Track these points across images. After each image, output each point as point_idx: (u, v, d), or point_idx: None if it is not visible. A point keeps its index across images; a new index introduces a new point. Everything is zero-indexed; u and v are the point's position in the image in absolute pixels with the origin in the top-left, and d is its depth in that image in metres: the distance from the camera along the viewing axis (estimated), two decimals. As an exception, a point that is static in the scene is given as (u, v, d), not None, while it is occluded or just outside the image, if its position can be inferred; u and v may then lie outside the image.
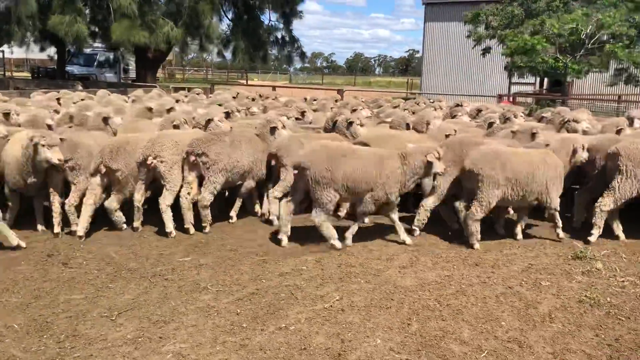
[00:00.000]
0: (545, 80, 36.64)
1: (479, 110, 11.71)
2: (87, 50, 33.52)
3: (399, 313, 5.14)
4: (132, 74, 40.84)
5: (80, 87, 17.43)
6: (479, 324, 4.94)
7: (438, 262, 6.45)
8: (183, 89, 20.84)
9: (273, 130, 8.00)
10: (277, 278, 5.90)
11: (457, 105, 12.73)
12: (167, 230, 7.19)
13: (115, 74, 36.41)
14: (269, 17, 26.73)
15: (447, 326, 4.90)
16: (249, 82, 65.96)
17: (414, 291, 5.62)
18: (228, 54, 27.38)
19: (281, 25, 26.90)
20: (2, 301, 5.23)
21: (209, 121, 8.42)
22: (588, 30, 19.64)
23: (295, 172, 7.00)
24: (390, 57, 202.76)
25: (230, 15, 25.89)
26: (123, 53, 28.44)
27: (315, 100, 13.57)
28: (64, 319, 4.91)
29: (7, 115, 8.47)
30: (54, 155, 6.60)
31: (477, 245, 6.95)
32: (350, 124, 8.63)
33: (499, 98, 27.27)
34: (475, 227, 6.92)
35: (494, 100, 26.60)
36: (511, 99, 27.51)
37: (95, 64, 36.01)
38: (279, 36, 27.34)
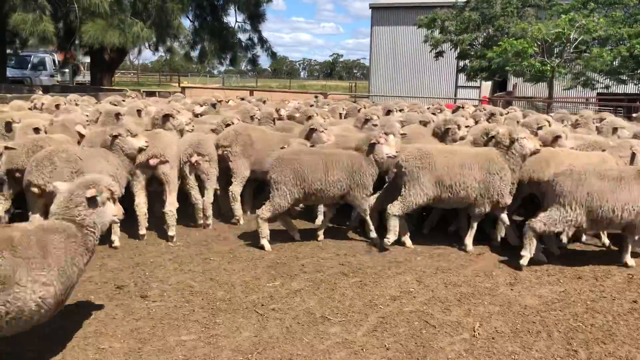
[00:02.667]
0: (489, 84, 37.73)
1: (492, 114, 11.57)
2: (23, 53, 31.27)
3: (553, 338, 4.73)
4: (82, 77, 38.57)
5: (40, 92, 15.88)
6: (642, 346, 4.63)
7: (541, 277, 6.12)
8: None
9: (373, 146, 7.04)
10: (393, 303, 5.35)
11: (459, 107, 12.59)
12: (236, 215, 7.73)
13: (51, 76, 34.12)
14: (235, 18, 25.80)
15: (615, 351, 4.54)
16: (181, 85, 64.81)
17: (545, 311, 5.24)
18: (194, 56, 26.11)
19: (248, 27, 25.99)
20: (106, 348, 4.38)
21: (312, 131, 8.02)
22: (572, 35, 20.19)
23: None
24: (315, 60, 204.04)
25: (193, 16, 24.69)
26: (74, 55, 26.48)
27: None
28: (194, 368, 4.18)
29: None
30: (139, 141, 6.47)
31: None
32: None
33: (491, 101, 27.52)
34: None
35: (444, 103, 26.94)
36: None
37: (29, 66, 33.63)
38: (246, 37, 26.46)
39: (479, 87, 38.16)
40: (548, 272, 6.26)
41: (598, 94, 30.82)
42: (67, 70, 37.58)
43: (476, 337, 4.70)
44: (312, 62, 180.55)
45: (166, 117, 7.79)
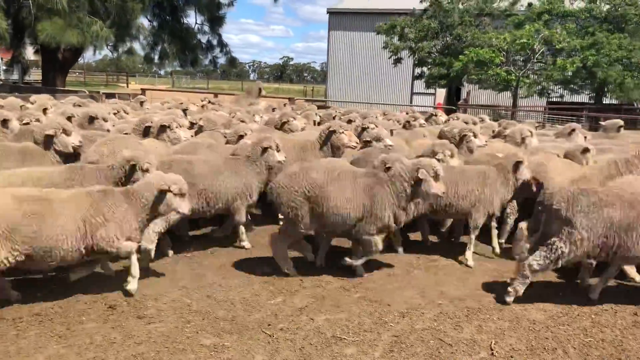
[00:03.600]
0: (444, 91, 38.38)
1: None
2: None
3: (570, 355, 4.68)
4: (28, 76, 36.81)
5: (16, 94, 15.03)
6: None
7: (541, 290, 6.08)
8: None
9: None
10: (403, 320, 5.19)
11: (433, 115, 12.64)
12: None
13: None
14: (195, 20, 25.16)
15: (634, 367, 4.53)
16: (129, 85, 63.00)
17: (555, 326, 5.20)
18: (154, 57, 25.28)
19: (207, 29, 25.40)
20: (112, 377, 4.04)
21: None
22: (536, 46, 20.68)
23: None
24: (265, 63, 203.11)
25: (152, 16, 23.84)
26: (22, 54, 25.11)
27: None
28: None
29: (5, 122, 7.82)
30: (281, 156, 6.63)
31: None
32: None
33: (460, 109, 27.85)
34: None
35: (398, 109, 27.18)
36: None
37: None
38: (206, 40, 25.84)
39: (434, 94, 38.71)
40: (546, 285, 6.25)
41: (548, 102, 31.84)
42: (11, 68, 35.89)
43: (495, 355, 4.60)
44: (262, 64, 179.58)
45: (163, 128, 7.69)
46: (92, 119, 8.65)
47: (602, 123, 11.78)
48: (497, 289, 5.99)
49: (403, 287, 5.99)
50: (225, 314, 5.17)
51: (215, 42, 26.12)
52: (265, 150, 6.69)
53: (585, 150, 7.62)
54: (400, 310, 5.39)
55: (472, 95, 37.11)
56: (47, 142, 7.03)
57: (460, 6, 26.67)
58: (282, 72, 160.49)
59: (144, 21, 22.98)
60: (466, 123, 9.54)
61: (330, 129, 7.63)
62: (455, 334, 4.96)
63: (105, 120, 8.73)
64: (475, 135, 7.89)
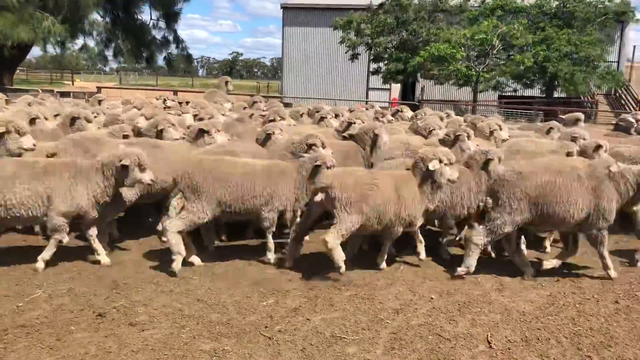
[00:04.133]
0: (399, 86, 38.84)
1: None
2: None
3: (563, 344, 4.81)
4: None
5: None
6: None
7: (523, 281, 6.23)
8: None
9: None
10: (397, 316, 5.22)
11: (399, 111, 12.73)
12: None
13: None
14: (150, 16, 24.47)
15: (623, 353, 4.68)
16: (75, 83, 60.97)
17: (543, 317, 5.32)
18: (109, 54, 24.49)
19: (163, 25, 24.76)
20: (115, 389, 3.90)
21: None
22: (495, 41, 21.11)
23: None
24: (214, 58, 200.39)
25: (104, 12, 23.00)
26: None
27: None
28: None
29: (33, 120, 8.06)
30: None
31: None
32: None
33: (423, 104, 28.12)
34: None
35: (354, 105, 27.29)
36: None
37: None
38: (161, 36, 25.18)
39: (389, 90, 39.13)
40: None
41: (500, 96, 32.69)
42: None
43: (493, 348, 4.68)
44: (210, 60, 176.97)
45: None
46: (73, 120, 8.37)
47: (563, 117, 12.14)
48: (482, 282, 6.11)
49: (392, 284, 6.01)
50: (219, 317, 5.07)
51: (171, 38, 25.59)
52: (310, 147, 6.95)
53: (598, 147, 7.87)
54: (393, 307, 5.42)
55: (426, 91, 37.73)
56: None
57: (416, 1, 27.00)
58: (232, 68, 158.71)
59: (96, 17, 22.26)
60: (441, 119, 9.64)
61: (375, 131, 7.81)
62: (452, 328, 5.02)
63: (88, 120, 8.43)
64: (468, 137, 7.90)
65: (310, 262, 6.47)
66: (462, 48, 21.53)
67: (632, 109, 31.52)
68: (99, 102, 14.11)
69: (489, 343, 4.76)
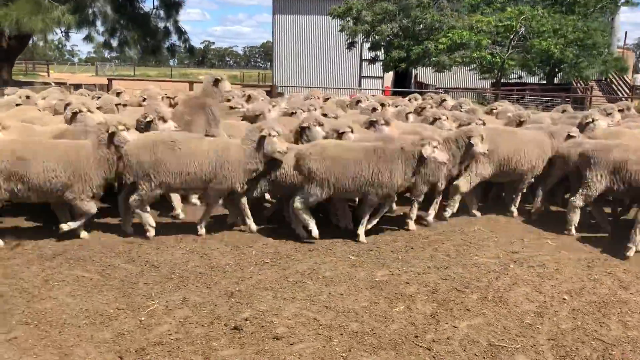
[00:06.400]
0: (391, 74, 38.58)
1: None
2: None
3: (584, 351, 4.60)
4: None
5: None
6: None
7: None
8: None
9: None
10: (541, 319, 4.95)
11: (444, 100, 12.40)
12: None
13: None
14: (153, 5, 23.50)
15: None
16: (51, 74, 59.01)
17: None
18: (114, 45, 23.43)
19: (164, 15, 23.83)
20: None
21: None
22: (521, 28, 20.89)
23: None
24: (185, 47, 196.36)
25: (105, 1, 21.95)
26: None
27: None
28: None
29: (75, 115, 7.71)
30: None
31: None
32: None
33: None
34: None
35: (347, 93, 26.94)
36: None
37: None
38: (163, 26, 24.23)
39: (382, 78, 38.88)
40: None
41: (492, 84, 32.72)
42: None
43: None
44: (181, 48, 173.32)
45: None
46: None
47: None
48: (602, 280, 5.88)
49: (514, 284, 5.73)
50: (360, 326, 4.72)
51: (172, 29, 24.72)
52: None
53: None
54: (531, 309, 5.14)
55: (419, 79, 37.59)
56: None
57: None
58: (204, 57, 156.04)
59: (102, 6, 21.23)
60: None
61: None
62: (607, 332, 4.76)
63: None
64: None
65: (412, 260, 6.17)
66: (489, 35, 21.28)
67: (624, 94, 31.89)
68: (118, 94, 13.54)
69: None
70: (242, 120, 9.06)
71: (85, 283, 5.42)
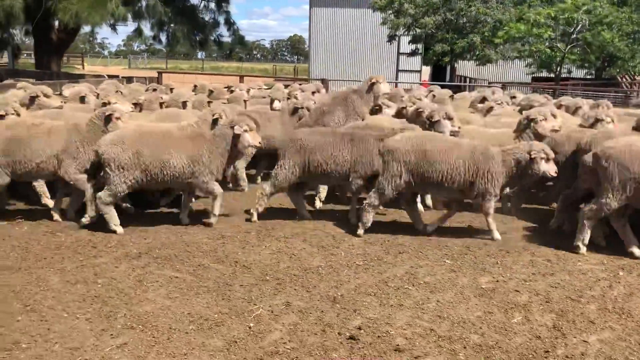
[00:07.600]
0: (429, 68, 37.97)
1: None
2: None
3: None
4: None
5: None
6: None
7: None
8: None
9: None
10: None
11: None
12: None
13: None
14: None
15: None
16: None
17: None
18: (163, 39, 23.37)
19: (213, 6, 23.65)
20: None
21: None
22: (583, 19, 20.22)
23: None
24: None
25: None
26: (12, 35, 22.58)
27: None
28: None
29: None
30: None
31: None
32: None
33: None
34: None
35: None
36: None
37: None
38: (210, 18, 24.08)
39: (419, 71, 38.27)
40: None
41: (533, 78, 31.89)
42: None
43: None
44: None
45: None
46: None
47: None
48: None
49: (631, 294, 5.34)
50: (482, 339, 4.39)
51: (222, 20, 24.52)
52: None
53: None
54: (651, 320, 4.77)
55: (458, 72, 36.87)
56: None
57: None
58: (232, 51, 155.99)
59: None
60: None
61: (530, 117, 7.35)
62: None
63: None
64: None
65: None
66: (549, 28, 20.61)
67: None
68: (171, 89, 13.40)
69: None
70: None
71: (179, 284, 5.20)
